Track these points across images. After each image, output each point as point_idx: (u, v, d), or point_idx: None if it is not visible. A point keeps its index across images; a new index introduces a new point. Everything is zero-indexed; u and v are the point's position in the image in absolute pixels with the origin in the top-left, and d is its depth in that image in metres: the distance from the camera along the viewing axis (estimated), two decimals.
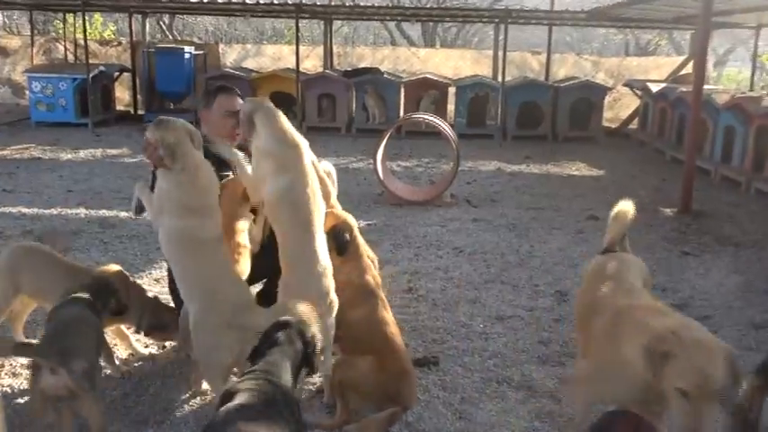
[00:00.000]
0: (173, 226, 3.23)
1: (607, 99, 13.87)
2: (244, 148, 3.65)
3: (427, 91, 13.03)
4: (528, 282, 5.37)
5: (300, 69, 13.01)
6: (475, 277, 5.44)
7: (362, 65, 16.02)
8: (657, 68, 16.30)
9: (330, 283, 3.26)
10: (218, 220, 3.32)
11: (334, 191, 3.89)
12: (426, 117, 8.64)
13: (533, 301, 4.95)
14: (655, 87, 12.37)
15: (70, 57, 16.16)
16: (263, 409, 2.22)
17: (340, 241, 3.47)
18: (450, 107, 13.69)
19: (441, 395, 3.57)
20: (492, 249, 6.18)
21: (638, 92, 13.79)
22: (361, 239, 3.63)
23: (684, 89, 10.86)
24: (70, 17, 16.33)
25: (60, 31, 17.77)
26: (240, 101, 3.99)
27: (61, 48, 16.97)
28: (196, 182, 3.24)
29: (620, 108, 15.72)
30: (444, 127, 8.11)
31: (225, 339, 3.12)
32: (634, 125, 14.09)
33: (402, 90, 13.29)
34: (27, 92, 13.62)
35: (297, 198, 3.28)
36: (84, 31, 13.31)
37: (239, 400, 2.23)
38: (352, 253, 3.53)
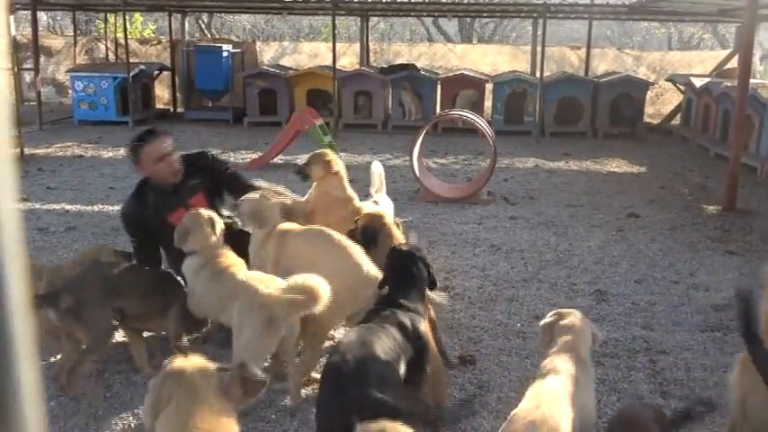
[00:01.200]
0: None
1: (649, 94, 13.62)
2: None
3: (464, 88, 12.94)
4: (566, 280, 5.28)
5: (337, 66, 13.03)
6: (512, 275, 5.38)
7: (399, 61, 15.99)
8: (701, 63, 15.95)
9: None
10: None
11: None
12: (463, 114, 8.57)
13: (572, 301, 4.86)
14: (698, 82, 12.09)
15: (111, 56, 16.46)
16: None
17: (367, 236, 3.67)
18: (488, 104, 13.57)
19: (477, 394, 3.53)
20: (529, 247, 6.10)
21: (680, 87, 13.50)
22: (395, 232, 3.70)
23: (729, 84, 10.59)
24: (111, 17, 16.64)
25: (102, 31, 18.12)
26: (165, 137, 4.18)
27: (103, 47, 17.29)
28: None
29: (662, 104, 15.43)
30: (481, 123, 8.04)
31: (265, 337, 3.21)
32: (676, 121, 13.80)
33: (439, 86, 13.22)
34: (70, 91, 13.91)
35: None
36: (125, 30, 13.54)
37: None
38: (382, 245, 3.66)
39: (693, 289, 5.13)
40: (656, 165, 10.23)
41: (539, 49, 13.12)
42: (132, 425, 3.24)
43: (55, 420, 3.21)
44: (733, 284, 5.22)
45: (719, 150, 10.46)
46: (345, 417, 2.36)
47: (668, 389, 3.61)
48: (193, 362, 2.44)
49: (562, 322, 2.84)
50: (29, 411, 0.58)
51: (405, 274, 3.08)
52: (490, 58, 17.54)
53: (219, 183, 4.38)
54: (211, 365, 2.46)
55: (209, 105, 14.65)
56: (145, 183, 4.28)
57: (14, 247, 0.55)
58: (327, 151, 4.60)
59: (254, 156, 9.89)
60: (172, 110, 15.16)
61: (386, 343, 2.66)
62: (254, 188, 4.25)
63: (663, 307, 4.77)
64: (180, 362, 2.43)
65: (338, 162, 4.46)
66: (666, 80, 14.58)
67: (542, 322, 2.95)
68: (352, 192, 4.48)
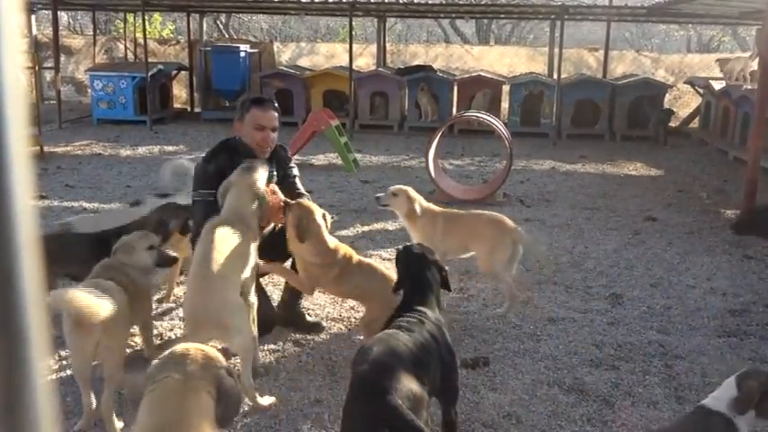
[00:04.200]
0: None
1: (667, 97, 13.51)
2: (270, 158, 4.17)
3: (481, 89, 12.91)
4: (582, 283, 5.25)
5: (354, 67, 13.06)
6: (527, 278, 5.35)
7: (415, 62, 16.00)
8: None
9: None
10: None
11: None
12: (479, 115, 8.56)
13: (587, 304, 4.84)
14: (717, 85, 11.99)
15: (130, 56, 16.61)
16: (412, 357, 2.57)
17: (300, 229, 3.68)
18: (504, 105, 13.54)
19: (490, 396, 3.52)
20: (545, 250, 6.07)
21: (699, 90, 13.39)
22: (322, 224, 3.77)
23: (749, 87, 10.50)
24: (130, 17, 16.78)
25: (121, 31, 18.28)
26: (274, 113, 4.15)
27: (122, 47, 17.45)
28: None
29: (680, 106, 15.32)
30: (498, 125, 8.02)
31: None
32: (695, 124, 13.69)
33: (455, 88, 13.21)
34: (89, 90, 14.05)
35: None
36: (144, 30, 13.64)
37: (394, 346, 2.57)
38: (314, 236, 3.71)
39: (710, 293, 5.08)
40: (673, 168, 10.15)
41: (556, 50, 13.07)
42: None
43: (70, 417, 3.24)
44: (751, 289, 5.18)
45: (738, 154, 10.36)
46: (371, 428, 2.34)
47: (683, 394, 3.58)
48: (199, 357, 2.32)
49: None
50: (41, 408, 0.58)
51: (419, 279, 3.05)
52: (507, 59, 17.52)
53: (281, 181, 4.32)
54: (215, 367, 2.34)
55: (227, 105, 14.71)
56: (230, 147, 4.20)
57: (30, 245, 0.56)
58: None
59: None
60: (189, 109, 15.26)
61: (413, 351, 2.60)
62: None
63: (679, 311, 4.73)
64: (188, 350, 2.34)
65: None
66: (685, 83, 14.49)
67: None
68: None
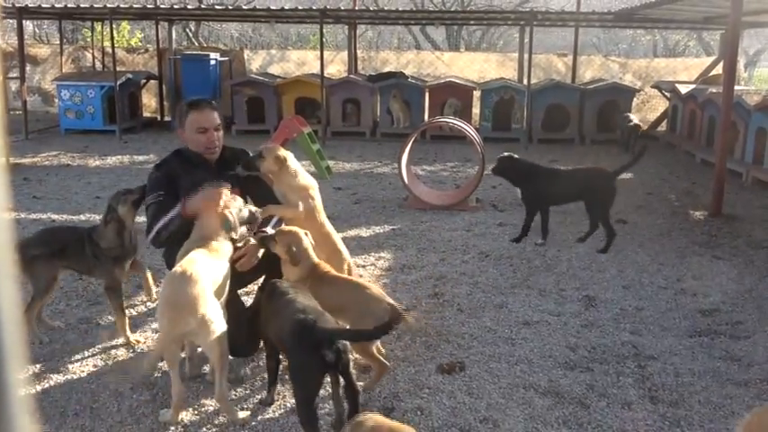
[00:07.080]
0: None
1: (635, 101, 13.71)
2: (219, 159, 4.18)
3: (452, 95, 12.96)
4: (555, 287, 5.30)
5: (325, 74, 13.04)
6: (501, 282, 5.38)
7: (387, 69, 16.04)
8: (686, 70, 16.10)
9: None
10: None
11: None
12: (451, 121, 8.60)
13: (560, 307, 4.88)
14: (684, 89, 12.19)
15: (98, 65, 16.39)
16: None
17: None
18: (476, 111, 13.62)
19: (467, 401, 3.53)
20: (518, 254, 6.12)
21: (666, 94, 13.61)
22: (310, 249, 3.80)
23: (714, 90, 10.69)
24: (98, 25, 16.57)
25: (88, 40, 18.05)
26: (213, 112, 4.11)
27: (89, 56, 17.22)
28: None
29: (648, 110, 15.55)
30: (470, 130, 8.06)
31: None
32: (663, 127, 13.91)
33: (427, 94, 13.26)
34: (56, 100, 13.84)
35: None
36: (112, 38, 13.48)
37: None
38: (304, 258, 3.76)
39: (681, 294, 5.16)
40: (642, 171, 10.27)
41: (526, 56, 13.19)
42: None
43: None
44: (720, 289, 5.26)
45: (705, 156, 10.54)
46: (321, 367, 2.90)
47: (657, 394, 3.63)
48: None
49: None
50: (18, 420, 0.57)
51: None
52: (478, 65, 17.62)
53: (245, 187, 4.25)
54: None
55: None
56: (181, 154, 4.21)
57: (6, 255, 0.55)
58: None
59: None
60: (159, 118, 15.12)
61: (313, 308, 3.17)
62: (273, 196, 4.19)
63: (651, 312, 4.79)
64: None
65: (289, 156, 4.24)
66: (652, 87, 14.69)
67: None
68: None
